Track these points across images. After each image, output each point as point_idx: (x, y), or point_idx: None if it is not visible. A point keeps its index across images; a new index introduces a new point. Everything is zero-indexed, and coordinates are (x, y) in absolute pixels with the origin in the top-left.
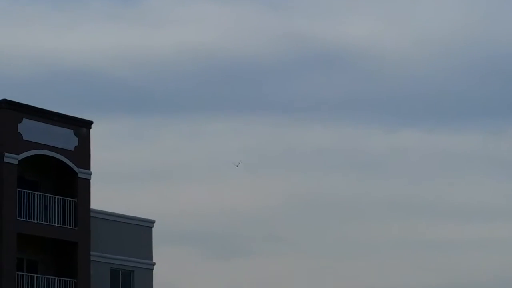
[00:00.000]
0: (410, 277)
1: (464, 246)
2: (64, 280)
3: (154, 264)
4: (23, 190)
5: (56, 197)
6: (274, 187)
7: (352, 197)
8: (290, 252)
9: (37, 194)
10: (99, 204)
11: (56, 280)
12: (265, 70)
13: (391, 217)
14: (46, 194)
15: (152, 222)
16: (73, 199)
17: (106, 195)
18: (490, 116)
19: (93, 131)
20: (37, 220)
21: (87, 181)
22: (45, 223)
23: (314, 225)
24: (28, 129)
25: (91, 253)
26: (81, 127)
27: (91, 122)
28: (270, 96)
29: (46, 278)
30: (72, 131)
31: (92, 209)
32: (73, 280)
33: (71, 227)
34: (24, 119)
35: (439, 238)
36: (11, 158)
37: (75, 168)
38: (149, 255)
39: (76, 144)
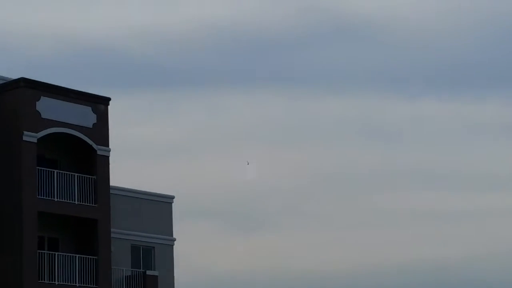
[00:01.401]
0: (431, 249)
1: (484, 216)
2: (85, 257)
3: (174, 239)
4: (43, 168)
5: (76, 174)
6: (294, 160)
7: (372, 168)
8: (311, 225)
9: (57, 172)
10: (118, 181)
11: (77, 257)
12: (283, 43)
13: (412, 188)
14: (66, 172)
15: (172, 197)
16: (93, 176)
17: (126, 171)
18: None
19: (111, 108)
20: (57, 198)
21: (106, 158)
22: (65, 200)
23: (335, 198)
24: (47, 107)
25: (111, 230)
26: (99, 103)
27: (109, 99)
28: (287, 69)
29: (67, 255)
30: (90, 108)
31: (112, 186)
32: (94, 257)
33: (91, 205)
34: (42, 97)
35: (460, 208)
36: (30, 137)
37: (94, 145)
38: (169, 231)
39: (95, 121)
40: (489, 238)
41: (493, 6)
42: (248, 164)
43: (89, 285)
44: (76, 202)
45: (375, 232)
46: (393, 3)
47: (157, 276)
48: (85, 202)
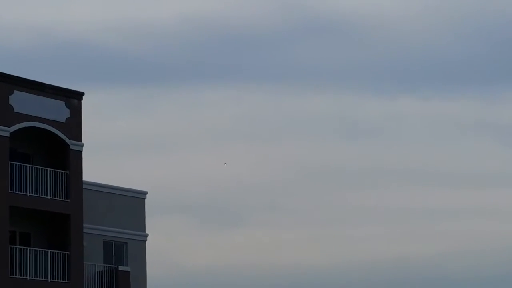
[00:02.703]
0: (410, 246)
1: (460, 213)
2: (57, 252)
3: (147, 235)
4: (15, 162)
5: (48, 169)
6: (271, 156)
7: (349, 165)
8: (286, 221)
9: (29, 167)
10: (91, 176)
11: (49, 252)
12: (263, 38)
13: (389, 185)
14: (38, 167)
15: (145, 193)
16: (65, 171)
17: (99, 167)
18: (487, 83)
19: (84, 103)
20: (29, 193)
21: (79, 153)
22: (38, 195)
23: (311, 194)
24: (20, 101)
25: (84, 225)
26: (73, 98)
27: (83, 93)
28: (267, 65)
29: (39, 250)
30: (64, 102)
31: (85, 181)
32: (66, 252)
33: (63, 199)
34: (15, 91)
35: (436, 206)
36: (3, 131)
37: (67, 140)
38: (142, 227)
39: (68, 115)
40: (474, 235)
41: (472, 3)
42: (225, 164)
43: (61, 281)
44: (49, 197)
45: (356, 228)
46: (374, 1)
47: (129, 271)
48: (57, 197)
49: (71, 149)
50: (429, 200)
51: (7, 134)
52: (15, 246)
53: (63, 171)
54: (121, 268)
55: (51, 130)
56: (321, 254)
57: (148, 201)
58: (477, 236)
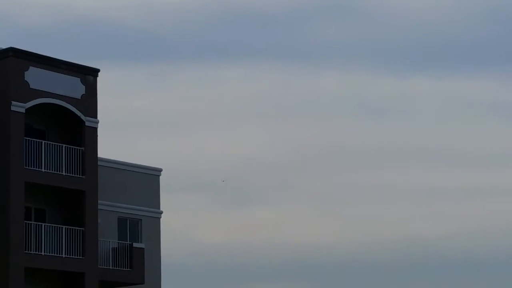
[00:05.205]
0: (421, 225)
1: (473, 193)
2: (72, 228)
3: (161, 212)
4: (31, 139)
5: (64, 145)
6: (285, 135)
7: (363, 144)
8: (301, 199)
9: (45, 143)
10: (106, 152)
11: (63, 228)
12: (275, 16)
13: (400, 164)
14: (54, 143)
15: (160, 170)
16: (80, 148)
17: (113, 143)
18: (501, 63)
19: (100, 80)
20: (44, 169)
21: (94, 130)
22: (53, 172)
23: (323, 172)
24: (35, 77)
25: (99, 201)
26: (88, 75)
27: (98, 70)
28: (279, 43)
29: (54, 227)
30: (79, 79)
31: (100, 157)
32: (81, 228)
33: (78, 176)
34: (30, 67)
35: (448, 185)
36: (18, 107)
37: (82, 117)
38: (157, 204)
39: (83, 92)
40: (482, 215)
41: None
42: (223, 181)
43: (76, 256)
44: (64, 173)
45: (367, 207)
46: None
47: (143, 248)
48: (72, 174)
49: (86, 125)
50: (441, 179)
51: (23, 110)
52: (30, 222)
53: (78, 148)
54: (135, 244)
55: (67, 106)
56: (333, 233)
57: (162, 178)
58: (489, 216)
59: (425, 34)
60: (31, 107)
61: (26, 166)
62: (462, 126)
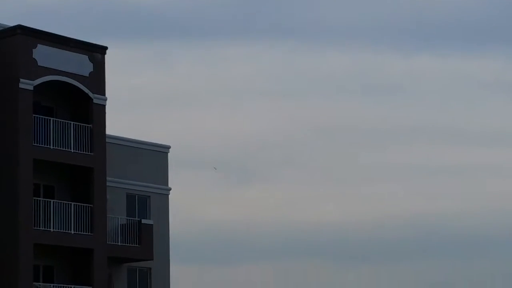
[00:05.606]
0: (429, 203)
1: (478, 171)
2: (81, 205)
3: (170, 189)
4: (39, 116)
5: (72, 122)
6: (289, 113)
7: (367, 122)
8: (307, 177)
9: (53, 120)
10: (114, 130)
11: (72, 205)
12: None
13: (406, 142)
14: (62, 120)
15: (168, 147)
16: (89, 125)
17: (122, 121)
18: (507, 42)
19: (108, 57)
20: (53, 146)
21: (102, 107)
22: (61, 148)
23: (328, 151)
24: (43, 55)
25: (107, 178)
26: (96, 52)
27: (106, 48)
28: (285, 22)
29: (63, 203)
30: (87, 56)
31: (108, 134)
32: (89, 205)
33: (87, 153)
34: (39, 45)
35: (455, 163)
36: (27, 84)
37: (90, 94)
38: (165, 181)
39: (91, 69)
40: (486, 193)
41: None
42: (215, 169)
43: (84, 233)
44: (72, 150)
45: (372, 185)
46: None
47: (152, 225)
48: (81, 150)
49: (95, 102)
50: (448, 157)
51: (31, 88)
52: (39, 198)
53: (86, 125)
54: (144, 221)
55: (75, 83)
56: (337, 211)
57: (171, 155)
58: (494, 194)
59: (431, 13)
60: (39, 84)
61: (34, 143)
62: (467, 104)
